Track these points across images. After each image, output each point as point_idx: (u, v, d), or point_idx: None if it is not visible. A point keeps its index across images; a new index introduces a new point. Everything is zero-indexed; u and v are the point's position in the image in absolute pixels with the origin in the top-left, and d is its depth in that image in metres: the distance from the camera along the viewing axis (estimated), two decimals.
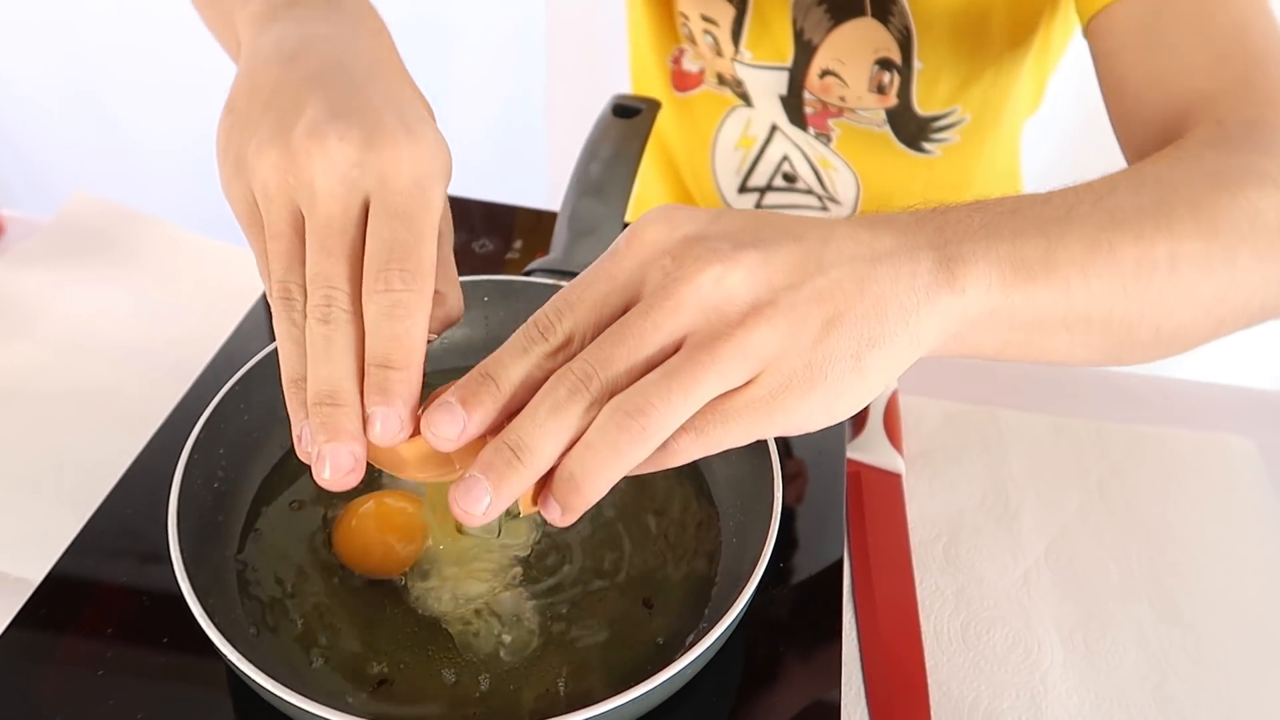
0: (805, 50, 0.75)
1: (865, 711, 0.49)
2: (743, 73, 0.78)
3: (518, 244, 0.68)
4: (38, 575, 0.47)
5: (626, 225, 0.53)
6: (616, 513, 0.49)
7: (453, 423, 0.32)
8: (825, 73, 0.75)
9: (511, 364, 0.33)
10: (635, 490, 0.50)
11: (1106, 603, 0.56)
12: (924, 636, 0.53)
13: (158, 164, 1.39)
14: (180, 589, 0.39)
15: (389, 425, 0.33)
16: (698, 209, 0.35)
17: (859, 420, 0.64)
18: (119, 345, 0.67)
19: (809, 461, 0.54)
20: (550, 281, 0.55)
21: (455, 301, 0.40)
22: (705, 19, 0.76)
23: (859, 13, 0.72)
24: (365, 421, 0.34)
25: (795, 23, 0.74)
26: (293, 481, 0.50)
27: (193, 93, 1.33)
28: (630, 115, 0.64)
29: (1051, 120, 0.91)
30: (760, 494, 0.44)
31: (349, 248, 0.35)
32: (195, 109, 1.34)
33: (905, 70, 0.74)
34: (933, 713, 0.49)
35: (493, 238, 0.68)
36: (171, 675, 0.43)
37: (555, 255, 0.58)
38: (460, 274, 0.55)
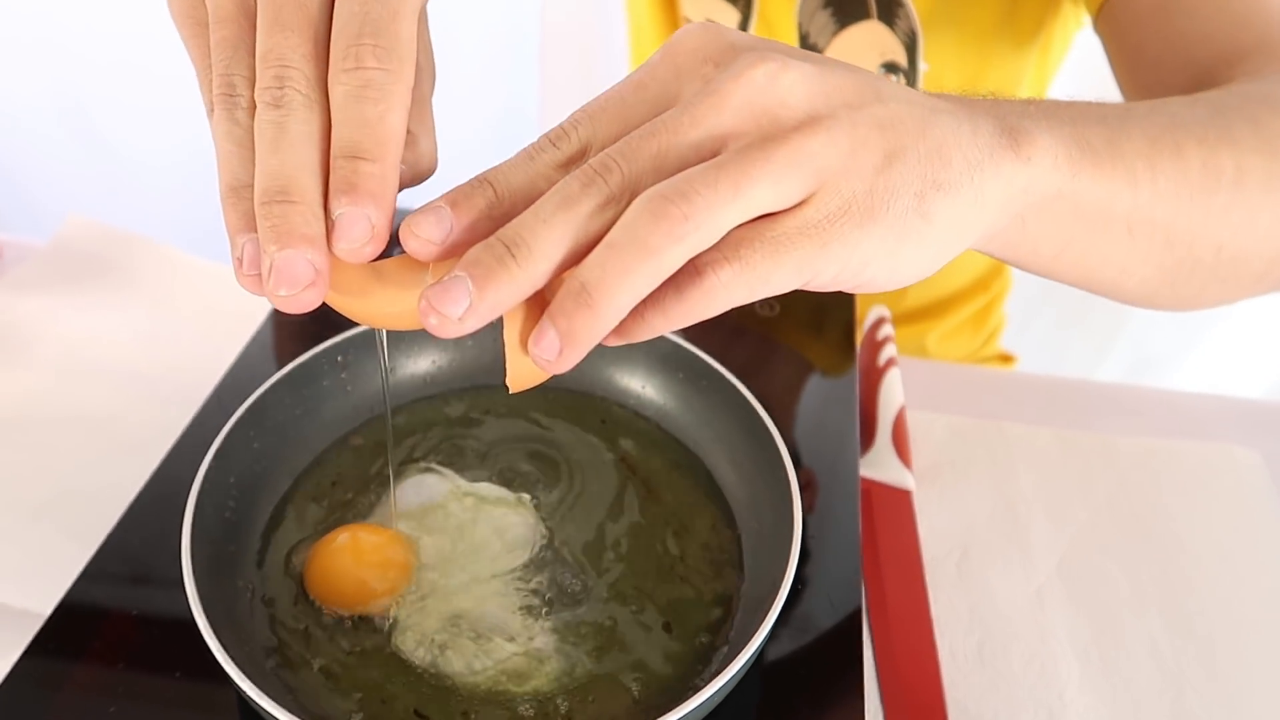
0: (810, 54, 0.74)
1: None
2: None
3: None
4: (42, 607, 0.46)
5: None
6: (637, 535, 0.48)
7: (438, 224, 0.27)
8: None
9: (513, 171, 0.28)
10: (656, 511, 0.49)
11: (1119, 616, 0.56)
12: (940, 655, 0.53)
13: (150, 182, 1.38)
14: (195, 622, 0.38)
15: (357, 228, 0.27)
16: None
17: (867, 437, 0.63)
18: (118, 371, 0.66)
19: (823, 477, 0.54)
20: None
21: (427, 148, 0.33)
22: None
23: (864, 16, 0.71)
24: (329, 228, 0.27)
25: (800, 27, 0.73)
26: (302, 511, 0.49)
27: (184, 111, 1.33)
28: None
29: None
30: (780, 514, 0.44)
31: (309, 22, 0.29)
32: (186, 127, 1.34)
33: (911, 73, 0.74)
34: None
35: None
36: (184, 706, 0.42)
37: None
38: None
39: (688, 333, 0.54)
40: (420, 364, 0.56)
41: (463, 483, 0.50)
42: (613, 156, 0.26)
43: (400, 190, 0.31)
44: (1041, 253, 0.34)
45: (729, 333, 0.64)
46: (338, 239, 0.27)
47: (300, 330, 0.61)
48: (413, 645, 0.43)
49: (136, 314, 0.71)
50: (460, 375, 0.56)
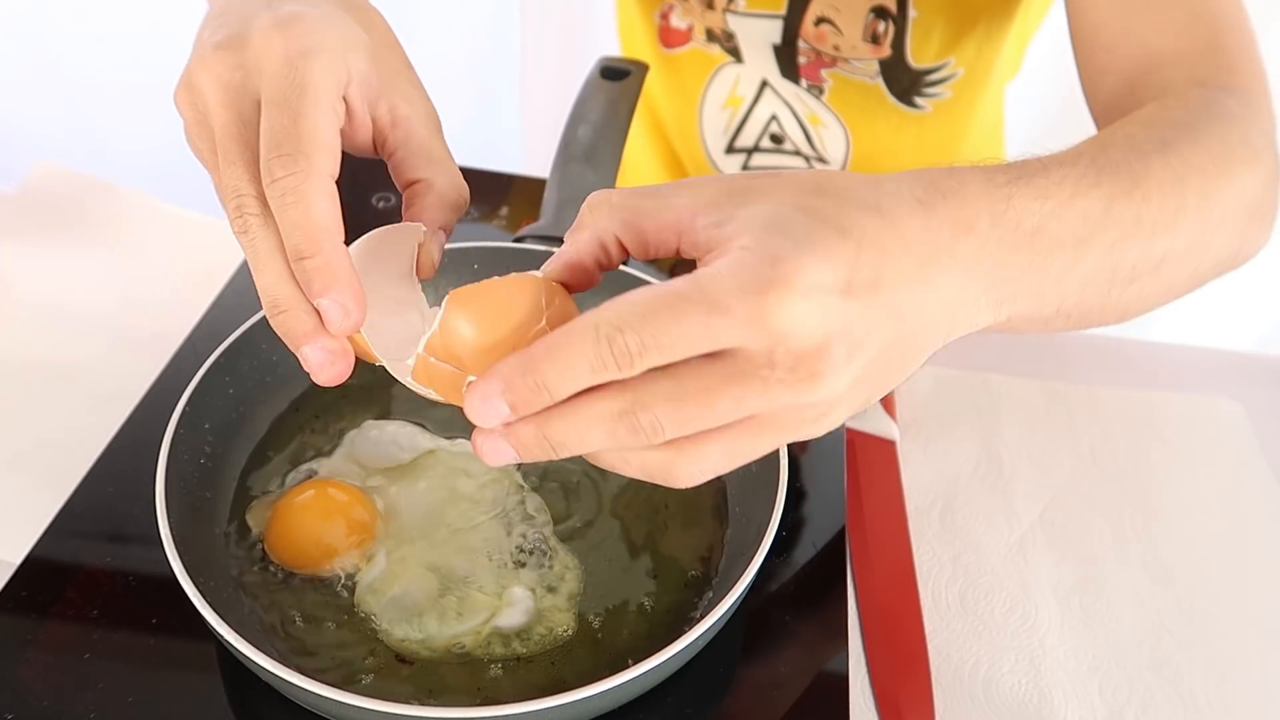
0: None
1: (866, 680, 0.49)
2: (735, 23, 0.76)
3: (504, 210, 0.66)
4: (16, 557, 0.45)
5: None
6: (619, 486, 0.48)
7: (495, 416, 0.30)
8: (820, 20, 0.74)
9: (573, 378, 0.29)
10: None
11: (1101, 565, 0.56)
12: (923, 603, 0.53)
13: (116, 126, 1.34)
14: (171, 569, 0.37)
15: (332, 316, 0.33)
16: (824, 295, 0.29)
17: None
18: (88, 319, 0.65)
19: None
20: (542, 248, 0.54)
21: (447, 185, 0.40)
22: None
23: None
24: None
25: None
26: (281, 456, 0.48)
27: (148, 46, 1.29)
28: (619, 78, 0.62)
29: (1030, 85, 0.90)
30: (764, 463, 0.44)
31: (248, 152, 0.35)
32: (151, 62, 1.30)
33: (900, 20, 0.73)
34: (933, 679, 0.49)
35: (479, 205, 0.66)
36: (162, 656, 0.41)
37: (545, 221, 0.56)
38: (447, 242, 0.54)
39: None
40: None
41: (441, 441, 0.49)
42: (664, 423, 0.29)
43: (452, 221, 0.39)
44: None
45: None
46: (327, 324, 0.33)
47: None
48: (378, 602, 0.42)
49: (106, 261, 0.69)
50: None
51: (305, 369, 0.34)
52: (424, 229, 0.39)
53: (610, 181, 0.58)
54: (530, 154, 1.40)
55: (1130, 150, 0.39)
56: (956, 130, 0.81)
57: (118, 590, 0.43)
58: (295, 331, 0.34)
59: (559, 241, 0.54)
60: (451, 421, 0.50)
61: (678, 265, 0.64)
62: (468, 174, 0.69)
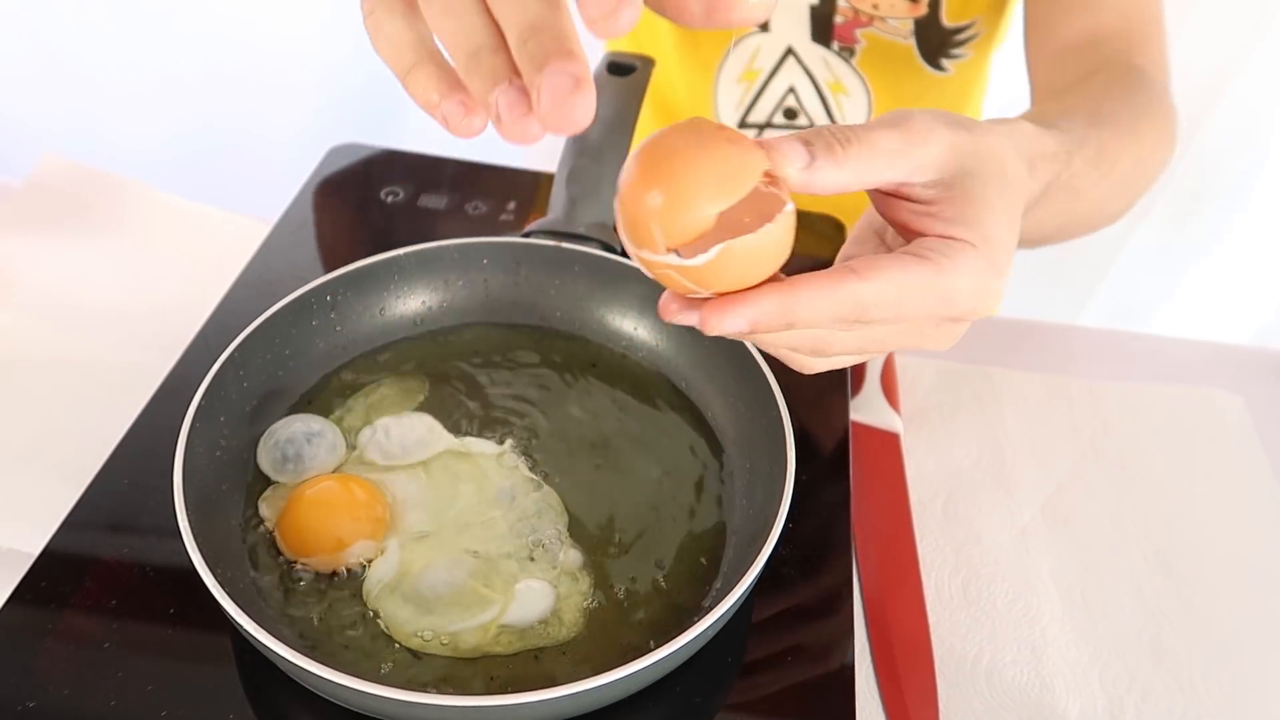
0: None
1: (871, 670, 0.49)
2: None
3: (511, 205, 0.67)
4: (33, 547, 0.46)
5: None
6: (627, 477, 0.48)
7: (734, 329, 0.33)
8: None
9: (818, 324, 0.34)
10: (647, 453, 0.50)
11: (1102, 556, 0.57)
12: (926, 594, 0.54)
13: (123, 118, 1.35)
14: (189, 560, 0.38)
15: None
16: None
17: (857, 380, 0.64)
18: (99, 313, 0.65)
19: (813, 420, 0.54)
20: (550, 243, 0.55)
21: None
22: None
23: None
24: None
25: None
26: None
27: (155, 40, 1.29)
28: (625, 73, 0.62)
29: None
30: (773, 454, 0.44)
31: None
32: (159, 57, 1.30)
33: None
34: (937, 669, 0.50)
35: (485, 200, 0.67)
36: (180, 646, 0.42)
37: (554, 216, 0.57)
38: (456, 236, 0.55)
39: None
40: (410, 304, 0.55)
41: (447, 434, 0.50)
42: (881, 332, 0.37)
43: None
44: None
45: None
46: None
47: (286, 271, 0.60)
48: (388, 596, 0.43)
49: (115, 255, 0.70)
50: (451, 313, 0.55)
51: (543, 108, 0.27)
52: None
53: (617, 175, 0.58)
54: (536, 148, 1.40)
55: (1113, 125, 0.51)
56: (969, 93, 0.84)
57: (135, 581, 0.44)
58: (557, 49, 0.27)
59: (568, 237, 0.55)
60: (463, 419, 0.51)
61: None
62: (475, 169, 0.70)
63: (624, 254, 0.55)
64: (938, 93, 0.83)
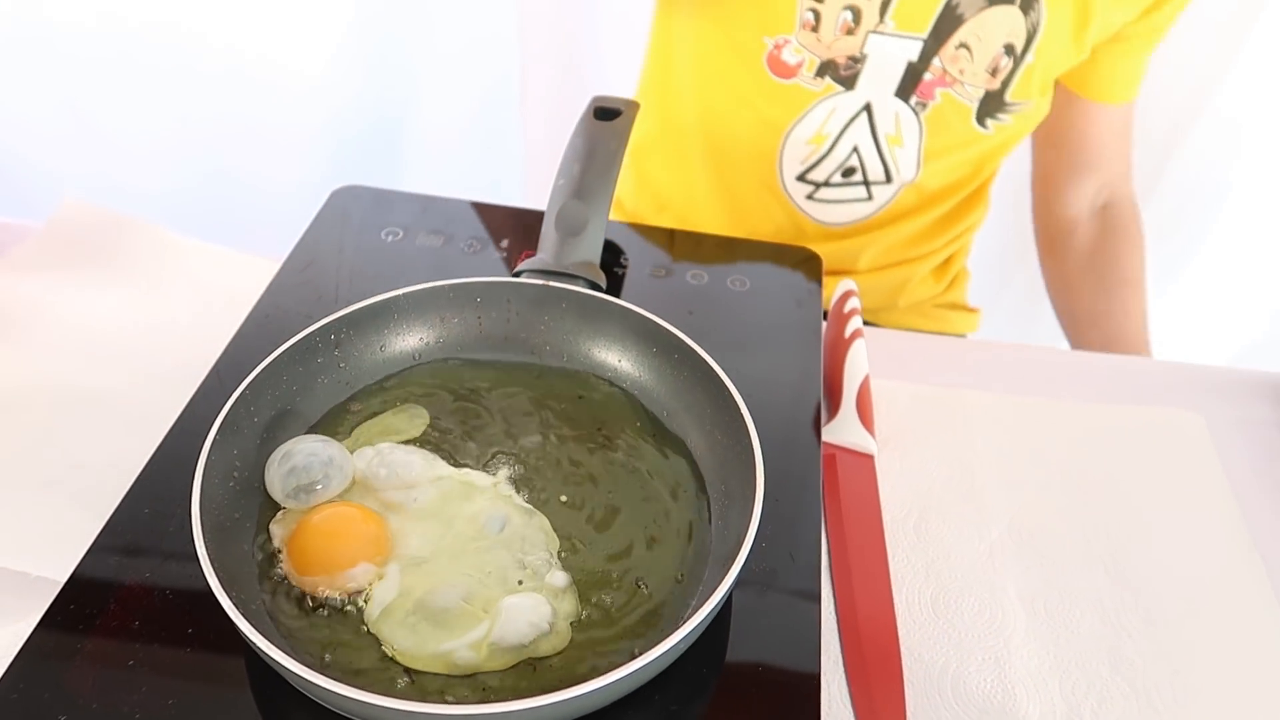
0: (951, 22, 0.85)
1: (843, 679, 0.53)
2: (874, 44, 0.86)
3: (505, 243, 0.70)
4: (59, 574, 0.49)
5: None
6: (612, 502, 0.52)
7: None
8: (961, 45, 0.85)
9: None
10: (632, 478, 0.53)
11: (1065, 571, 0.60)
12: (897, 608, 0.57)
13: (138, 163, 1.40)
14: (206, 584, 0.41)
15: None
16: None
17: (834, 404, 0.67)
18: (116, 350, 0.69)
19: (787, 443, 0.57)
20: (539, 282, 0.58)
21: None
22: None
23: (1009, 0, 0.83)
24: None
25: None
26: None
27: (170, 92, 1.34)
28: (611, 117, 0.66)
29: None
30: (745, 477, 0.48)
31: None
32: (173, 108, 1.35)
33: (1019, 61, 0.86)
34: (905, 678, 0.53)
35: (480, 238, 0.71)
36: (198, 663, 0.45)
37: (544, 256, 0.60)
38: (449, 276, 0.59)
39: (661, 308, 0.58)
40: (409, 341, 0.59)
41: (443, 464, 0.53)
42: None
43: None
44: None
45: (701, 307, 0.67)
46: None
47: (293, 309, 0.64)
48: (388, 617, 0.46)
49: (132, 294, 0.74)
50: (447, 348, 0.59)
51: None
52: None
53: (603, 215, 0.62)
54: (528, 188, 1.46)
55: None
56: (999, 150, 0.96)
57: (156, 603, 0.47)
58: None
59: (557, 275, 0.59)
60: (458, 450, 0.54)
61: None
62: (469, 209, 0.74)
63: (608, 291, 0.59)
64: (976, 146, 0.93)
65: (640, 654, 0.40)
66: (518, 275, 0.60)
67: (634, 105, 0.69)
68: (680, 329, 0.56)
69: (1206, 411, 0.71)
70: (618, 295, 0.58)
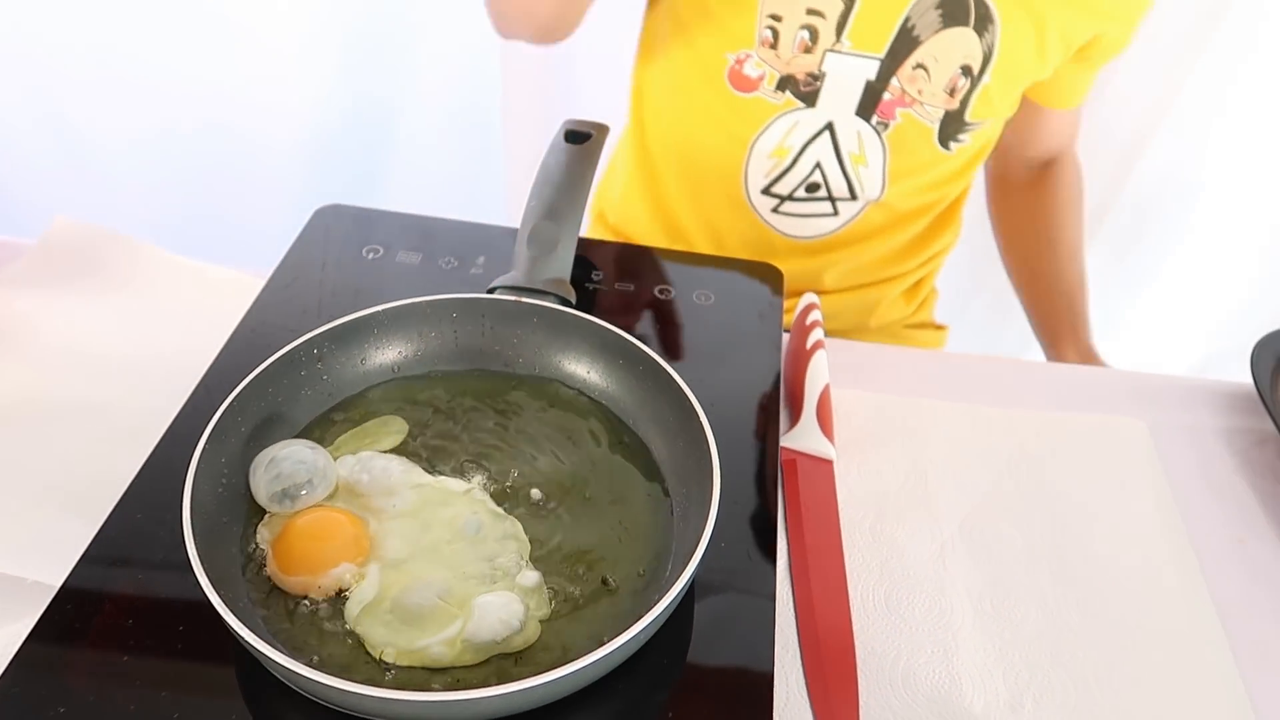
0: (908, 43, 0.88)
1: (800, 671, 0.56)
2: (832, 63, 0.89)
3: (480, 259, 0.74)
4: (54, 579, 0.52)
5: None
6: (582, 507, 0.55)
7: None
8: (918, 66, 0.88)
9: None
10: (600, 484, 0.56)
11: (1011, 570, 0.63)
12: (852, 604, 0.60)
13: (126, 180, 1.42)
14: (199, 585, 0.44)
15: None
16: None
17: (795, 412, 0.71)
18: (108, 364, 0.71)
19: (746, 449, 0.61)
20: (512, 298, 0.61)
21: None
22: (811, 12, 0.87)
23: (965, 23, 0.87)
24: None
25: (908, 19, 0.86)
26: None
27: (157, 107, 1.37)
28: (581, 140, 0.70)
29: None
30: (703, 483, 0.51)
31: None
32: (160, 122, 1.38)
33: (975, 82, 0.89)
34: (859, 670, 0.56)
35: (457, 255, 0.74)
36: (191, 659, 0.48)
37: (517, 274, 0.64)
38: (428, 292, 0.62)
39: (627, 322, 0.61)
40: (388, 354, 0.62)
41: (420, 471, 0.56)
42: None
43: None
44: None
45: (667, 321, 0.71)
46: None
47: (278, 323, 0.67)
48: (367, 615, 0.49)
49: (122, 308, 0.76)
50: (425, 361, 0.62)
51: None
52: None
53: (574, 235, 0.65)
54: (502, 207, 1.50)
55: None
56: (962, 171, 1.00)
57: (149, 605, 0.50)
58: None
59: (529, 292, 0.62)
60: (435, 457, 0.57)
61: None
62: (447, 226, 0.77)
63: (578, 307, 0.62)
64: (940, 167, 0.96)
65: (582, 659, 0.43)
66: (492, 291, 0.63)
67: (604, 129, 0.72)
68: (646, 342, 0.59)
69: (1151, 418, 0.75)
70: (588, 310, 0.61)
